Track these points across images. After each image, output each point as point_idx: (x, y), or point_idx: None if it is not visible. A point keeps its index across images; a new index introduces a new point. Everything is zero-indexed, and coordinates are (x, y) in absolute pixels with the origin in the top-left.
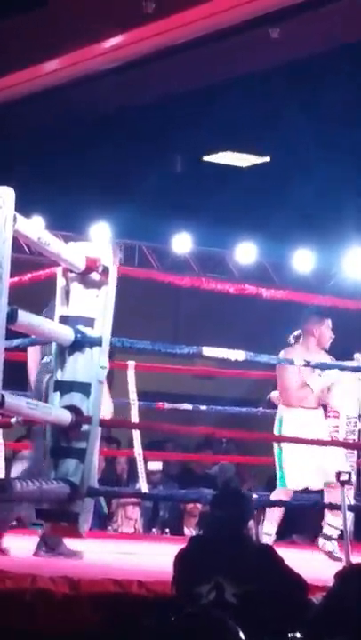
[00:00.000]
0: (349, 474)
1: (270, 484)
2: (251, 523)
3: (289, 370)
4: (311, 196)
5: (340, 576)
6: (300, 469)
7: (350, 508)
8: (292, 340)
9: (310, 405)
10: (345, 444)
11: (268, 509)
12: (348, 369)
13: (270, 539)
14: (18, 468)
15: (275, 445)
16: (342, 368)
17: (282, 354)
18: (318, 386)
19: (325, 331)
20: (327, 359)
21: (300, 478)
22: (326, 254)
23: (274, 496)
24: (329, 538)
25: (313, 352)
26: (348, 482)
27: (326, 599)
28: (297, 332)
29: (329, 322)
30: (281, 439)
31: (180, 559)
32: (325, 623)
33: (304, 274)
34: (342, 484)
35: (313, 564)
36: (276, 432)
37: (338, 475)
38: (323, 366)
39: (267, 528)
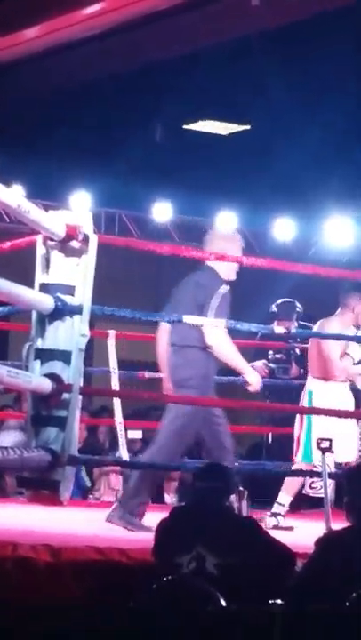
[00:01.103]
0: (330, 441)
1: (254, 453)
2: (233, 496)
3: (330, 341)
4: (292, 165)
5: (319, 543)
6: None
7: (330, 475)
8: (274, 309)
9: (341, 379)
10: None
11: (286, 481)
12: (326, 336)
13: (283, 509)
14: (4, 438)
15: (299, 418)
16: (321, 336)
17: (318, 325)
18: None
19: None
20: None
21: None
22: (307, 223)
23: (296, 468)
24: (276, 515)
25: (346, 327)
26: (329, 449)
27: (307, 566)
28: (280, 301)
29: None
30: (264, 407)
31: (162, 529)
32: (306, 589)
33: (285, 242)
34: (323, 451)
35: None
36: (305, 404)
37: (318, 442)
38: (304, 335)
39: (282, 498)
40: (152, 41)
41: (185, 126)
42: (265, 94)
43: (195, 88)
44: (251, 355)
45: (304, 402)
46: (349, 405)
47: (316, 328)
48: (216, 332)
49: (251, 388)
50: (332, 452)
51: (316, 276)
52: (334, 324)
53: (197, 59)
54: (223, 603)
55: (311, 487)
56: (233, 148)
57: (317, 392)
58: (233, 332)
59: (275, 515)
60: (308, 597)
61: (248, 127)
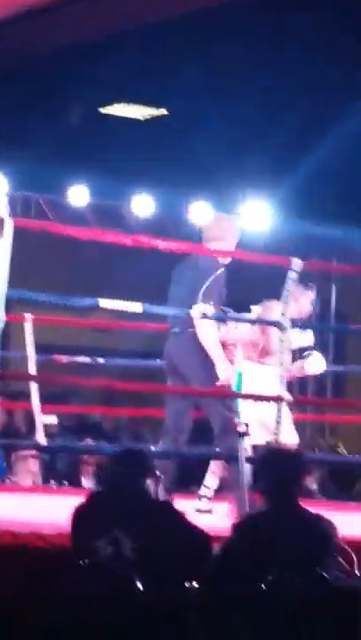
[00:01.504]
0: (247, 425)
1: None
2: (149, 480)
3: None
4: (208, 150)
5: (236, 527)
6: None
7: (248, 459)
8: None
9: (271, 362)
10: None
11: (212, 463)
12: (243, 320)
13: (209, 492)
14: None
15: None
16: (238, 320)
17: (260, 310)
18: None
19: (307, 302)
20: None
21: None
22: (224, 208)
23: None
24: (202, 497)
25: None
26: (246, 433)
27: (223, 549)
28: None
29: (311, 294)
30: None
31: (78, 513)
32: (223, 572)
33: (202, 226)
34: (240, 435)
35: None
36: (235, 387)
37: (235, 425)
38: (219, 317)
39: (208, 481)
40: (68, 24)
41: (102, 110)
42: (182, 79)
43: (112, 72)
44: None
45: (233, 382)
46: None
47: (258, 311)
48: (200, 319)
49: (218, 382)
50: (249, 435)
51: (234, 260)
52: (275, 309)
53: (115, 42)
54: (140, 586)
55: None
56: (150, 133)
57: (246, 373)
58: (155, 317)
59: (201, 497)
60: (225, 580)
61: (165, 112)
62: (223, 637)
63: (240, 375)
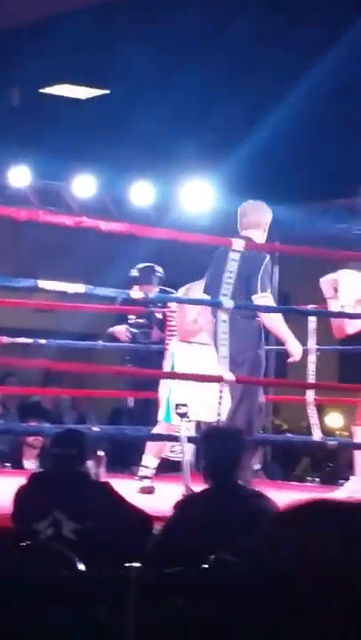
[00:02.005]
0: (187, 406)
1: (115, 418)
2: (90, 461)
3: (186, 305)
4: (150, 129)
5: (178, 506)
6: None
7: (190, 439)
8: (135, 273)
9: (203, 341)
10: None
11: (148, 443)
12: (185, 301)
13: (149, 471)
14: None
15: (164, 381)
16: (180, 301)
17: (183, 290)
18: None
19: None
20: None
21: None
22: (166, 187)
23: (156, 430)
24: (143, 477)
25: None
26: (185, 415)
27: (165, 529)
28: (140, 266)
29: None
30: (124, 372)
31: (19, 495)
32: (164, 552)
33: (144, 207)
34: (180, 416)
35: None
36: (168, 367)
37: (176, 407)
38: (163, 299)
39: (146, 461)
40: (7, 4)
41: (42, 90)
42: (123, 59)
43: (52, 52)
44: (112, 320)
45: (167, 363)
46: (210, 366)
47: (181, 292)
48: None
49: (291, 359)
50: (189, 416)
51: (176, 241)
52: (198, 289)
53: (54, 22)
54: (81, 567)
55: (171, 451)
56: (91, 113)
57: (179, 353)
58: (92, 298)
59: (142, 478)
60: (167, 560)
61: (107, 91)
62: (164, 618)
63: (173, 355)
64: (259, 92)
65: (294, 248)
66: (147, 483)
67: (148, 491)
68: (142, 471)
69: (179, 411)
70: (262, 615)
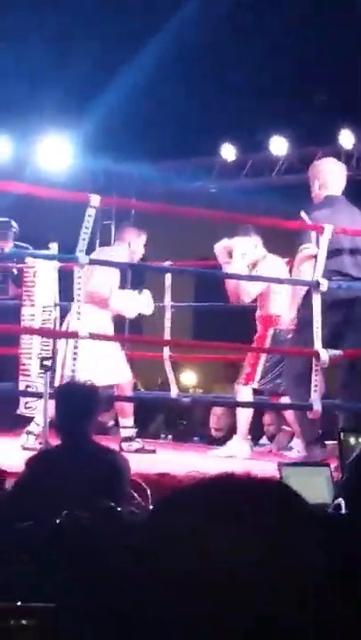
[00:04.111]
0: (53, 359)
1: None
2: None
3: (98, 270)
4: (5, 83)
5: (30, 462)
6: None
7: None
8: None
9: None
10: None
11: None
12: (41, 256)
13: (38, 429)
14: None
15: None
16: (35, 256)
17: (97, 253)
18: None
19: (141, 245)
20: None
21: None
22: (23, 142)
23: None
24: (30, 433)
25: (122, 259)
26: (51, 368)
27: (17, 484)
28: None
29: (144, 237)
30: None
31: None
32: (16, 508)
33: (1, 162)
34: (45, 369)
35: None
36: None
37: (41, 360)
38: (19, 254)
39: (38, 419)
40: None
41: None
42: None
43: None
44: None
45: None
46: (107, 330)
47: (94, 255)
48: None
49: None
50: (54, 370)
51: (33, 196)
52: (108, 254)
53: None
54: None
55: (26, 407)
56: None
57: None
58: None
59: (28, 433)
60: (18, 516)
61: None
62: (9, 576)
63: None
64: (114, 48)
65: (150, 205)
66: (32, 440)
67: (32, 448)
68: (32, 427)
69: (45, 363)
70: (112, 570)
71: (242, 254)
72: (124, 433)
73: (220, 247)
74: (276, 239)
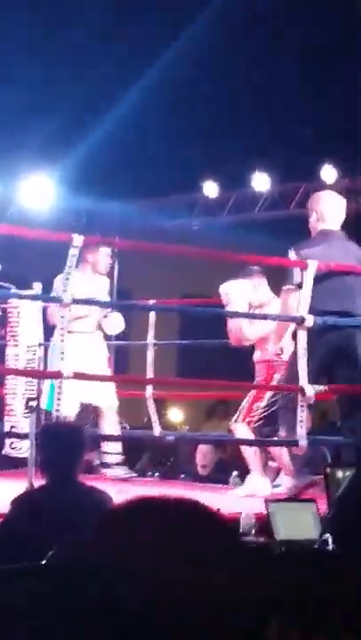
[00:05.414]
0: (38, 400)
1: None
2: None
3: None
4: None
5: (15, 502)
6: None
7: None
8: None
9: (79, 330)
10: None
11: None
12: (25, 297)
13: None
14: None
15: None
16: (20, 297)
17: (58, 280)
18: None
19: (101, 257)
20: (106, 283)
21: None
22: (5, 183)
23: None
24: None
25: (89, 278)
26: (35, 408)
27: (2, 525)
28: None
29: (105, 250)
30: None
31: None
32: (3, 550)
33: None
34: (31, 410)
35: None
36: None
37: (27, 401)
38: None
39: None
40: None
41: None
42: None
43: None
44: None
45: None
46: (88, 353)
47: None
48: None
49: None
50: (39, 411)
51: (16, 236)
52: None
53: None
54: None
55: (12, 448)
56: None
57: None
58: None
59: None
60: (5, 558)
61: None
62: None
63: (54, 347)
64: (96, 90)
65: (133, 243)
66: None
67: None
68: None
69: (30, 404)
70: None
71: (240, 296)
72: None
73: (221, 289)
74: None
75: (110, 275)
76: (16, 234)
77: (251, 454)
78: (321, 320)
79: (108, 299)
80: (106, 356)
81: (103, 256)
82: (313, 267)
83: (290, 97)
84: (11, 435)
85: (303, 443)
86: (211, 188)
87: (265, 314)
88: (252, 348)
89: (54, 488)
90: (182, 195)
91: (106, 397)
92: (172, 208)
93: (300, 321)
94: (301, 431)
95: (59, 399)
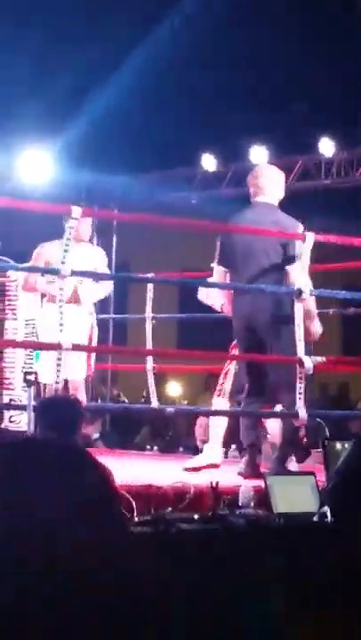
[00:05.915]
0: (36, 374)
1: None
2: None
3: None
4: None
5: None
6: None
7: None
8: None
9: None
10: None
11: None
12: (24, 269)
13: None
14: None
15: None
16: (19, 269)
17: (38, 249)
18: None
19: (83, 225)
20: (90, 249)
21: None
22: (4, 157)
23: None
24: None
25: (72, 245)
26: (34, 382)
27: None
28: None
29: (87, 219)
30: None
31: None
32: None
33: None
34: (28, 383)
35: None
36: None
37: (25, 374)
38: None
39: None
40: None
41: None
42: None
43: None
44: None
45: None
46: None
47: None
48: None
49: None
50: (37, 384)
51: (14, 210)
52: (54, 246)
53: None
54: None
55: (11, 421)
56: None
57: (38, 316)
58: None
59: None
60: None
61: None
62: None
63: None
64: (95, 63)
65: (132, 216)
66: None
67: None
68: None
69: (28, 377)
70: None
71: None
72: None
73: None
74: None
75: (109, 247)
76: (14, 206)
77: (220, 424)
78: (316, 292)
79: (89, 268)
80: (87, 328)
81: (85, 224)
82: (311, 239)
83: (288, 70)
84: (10, 407)
85: (303, 414)
86: (209, 162)
87: (261, 286)
88: None
89: None
90: (181, 168)
91: (79, 371)
92: (171, 182)
93: (297, 294)
94: (300, 403)
95: (58, 370)
